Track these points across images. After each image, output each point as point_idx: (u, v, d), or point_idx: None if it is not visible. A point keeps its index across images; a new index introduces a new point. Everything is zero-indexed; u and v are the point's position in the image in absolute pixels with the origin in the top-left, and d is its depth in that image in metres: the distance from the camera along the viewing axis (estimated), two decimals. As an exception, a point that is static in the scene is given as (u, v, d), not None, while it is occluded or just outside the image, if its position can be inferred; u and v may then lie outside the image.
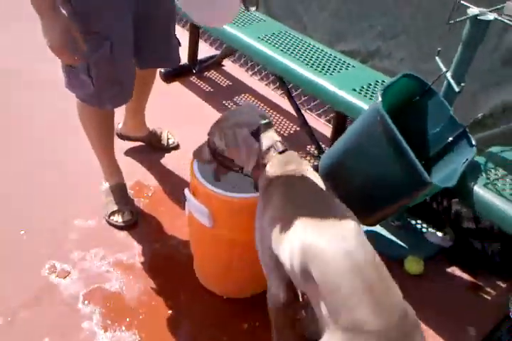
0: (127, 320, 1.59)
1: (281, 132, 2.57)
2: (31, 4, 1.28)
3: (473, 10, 1.34)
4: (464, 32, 1.36)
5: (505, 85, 1.66)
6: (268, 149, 1.24)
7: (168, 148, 2.34)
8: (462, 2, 1.37)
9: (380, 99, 1.31)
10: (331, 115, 2.47)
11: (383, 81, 1.90)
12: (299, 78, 1.95)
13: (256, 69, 2.99)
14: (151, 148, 2.33)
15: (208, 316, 1.63)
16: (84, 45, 1.38)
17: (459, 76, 1.43)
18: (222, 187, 1.37)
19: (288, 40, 2.18)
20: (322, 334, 1.04)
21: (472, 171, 1.44)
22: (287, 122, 2.65)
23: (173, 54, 1.83)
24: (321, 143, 2.30)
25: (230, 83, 2.96)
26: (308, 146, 2.43)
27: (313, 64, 1.98)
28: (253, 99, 2.82)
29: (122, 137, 2.27)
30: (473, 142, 1.43)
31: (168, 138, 2.35)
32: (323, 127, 2.57)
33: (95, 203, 1.98)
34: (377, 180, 1.40)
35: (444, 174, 1.42)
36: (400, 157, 1.30)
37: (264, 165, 1.24)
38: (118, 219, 1.91)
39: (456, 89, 1.36)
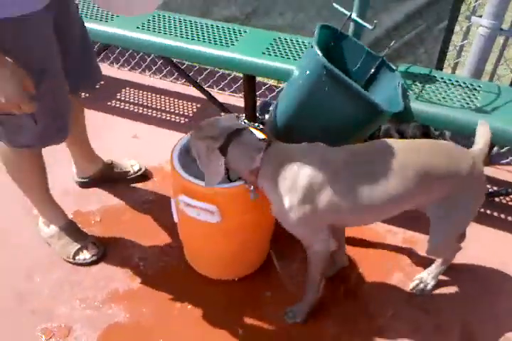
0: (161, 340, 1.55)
1: (185, 113, 2.54)
2: None
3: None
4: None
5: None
6: (252, 153, 1.27)
7: (136, 177, 2.10)
8: None
9: (320, 53, 1.38)
10: (234, 87, 2.54)
11: (279, 38, 1.97)
12: (206, 58, 1.91)
13: (122, 61, 2.83)
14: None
15: (233, 301, 1.66)
16: (33, 87, 1.19)
17: (363, 15, 1.58)
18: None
19: (167, 22, 2.08)
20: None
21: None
22: (187, 103, 2.62)
23: (98, 72, 1.69)
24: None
25: (102, 82, 2.76)
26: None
27: (210, 40, 1.95)
28: (137, 90, 2.70)
29: (87, 183, 2.03)
30: (394, 67, 1.61)
31: (131, 165, 2.11)
32: (229, 98, 2.58)
33: (44, 252, 1.79)
34: (338, 123, 1.49)
35: (381, 102, 1.59)
36: (353, 97, 1.40)
37: (258, 170, 1.27)
38: (85, 256, 1.76)
39: (370, 27, 1.50)
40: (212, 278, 1.71)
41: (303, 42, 1.95)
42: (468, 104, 1.65)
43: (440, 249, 1.53)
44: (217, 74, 2.63)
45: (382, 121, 1.54)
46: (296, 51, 1.89)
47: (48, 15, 1.26)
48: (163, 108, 2.58)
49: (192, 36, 1.97)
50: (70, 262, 1.76)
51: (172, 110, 2.56)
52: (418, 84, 1.75)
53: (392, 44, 1.58)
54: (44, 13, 1.22)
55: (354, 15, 1.57)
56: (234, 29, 2.03)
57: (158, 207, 1.99)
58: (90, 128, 2.34)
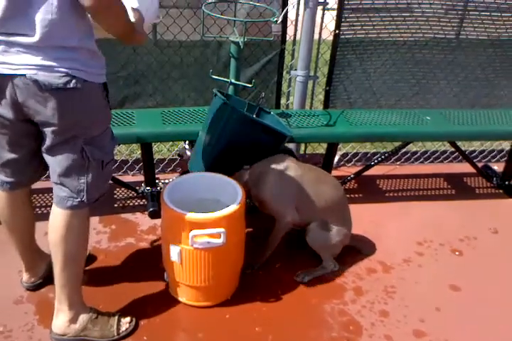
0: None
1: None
2: None
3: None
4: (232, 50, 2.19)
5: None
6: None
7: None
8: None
9: (245, 113, 2.01)
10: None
11: (163, 111, 2.50)
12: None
13: None
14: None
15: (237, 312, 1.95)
16: None
17: (237, 77, 2.25)
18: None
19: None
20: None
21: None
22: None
23: None
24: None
25: None
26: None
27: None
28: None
29: (40, 284, 1.98)
30: (268, 110, 2.32)
31: None
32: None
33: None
34: (255, 152, 2.08)
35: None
36: (266, 132, 2.05)
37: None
38: (125, 326, 1.81)
39: (250, 85, 2.17)
40: (211, 304, 1.96)
41: (184, 111, 2.52)
42: (316, 123, 2.52)
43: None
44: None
45: (283, 143, 2.20)
46: (183, 118, 2.46)
47: None
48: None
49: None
50: (116, 340, 1.76)
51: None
52: (282, 119, 2.51)
53: (261, 96, 2.30)
54: None
55: (233, 80, 2.22)
56: (124, 113, 2.45)
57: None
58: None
